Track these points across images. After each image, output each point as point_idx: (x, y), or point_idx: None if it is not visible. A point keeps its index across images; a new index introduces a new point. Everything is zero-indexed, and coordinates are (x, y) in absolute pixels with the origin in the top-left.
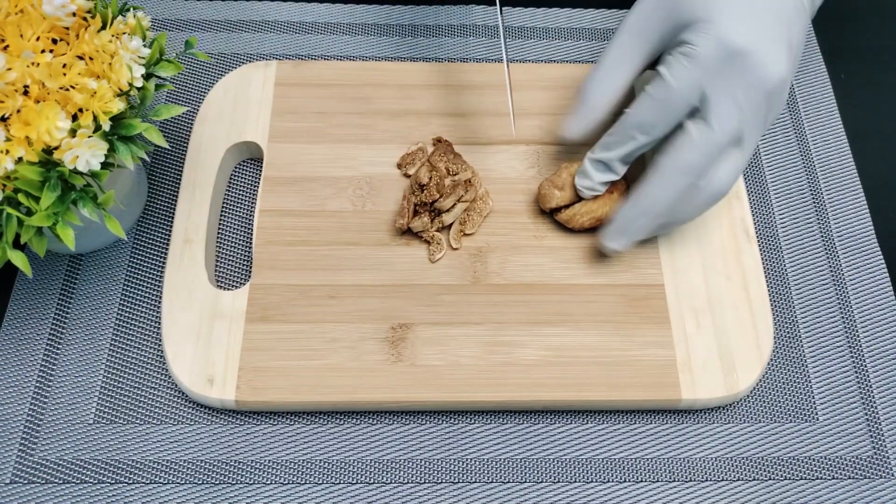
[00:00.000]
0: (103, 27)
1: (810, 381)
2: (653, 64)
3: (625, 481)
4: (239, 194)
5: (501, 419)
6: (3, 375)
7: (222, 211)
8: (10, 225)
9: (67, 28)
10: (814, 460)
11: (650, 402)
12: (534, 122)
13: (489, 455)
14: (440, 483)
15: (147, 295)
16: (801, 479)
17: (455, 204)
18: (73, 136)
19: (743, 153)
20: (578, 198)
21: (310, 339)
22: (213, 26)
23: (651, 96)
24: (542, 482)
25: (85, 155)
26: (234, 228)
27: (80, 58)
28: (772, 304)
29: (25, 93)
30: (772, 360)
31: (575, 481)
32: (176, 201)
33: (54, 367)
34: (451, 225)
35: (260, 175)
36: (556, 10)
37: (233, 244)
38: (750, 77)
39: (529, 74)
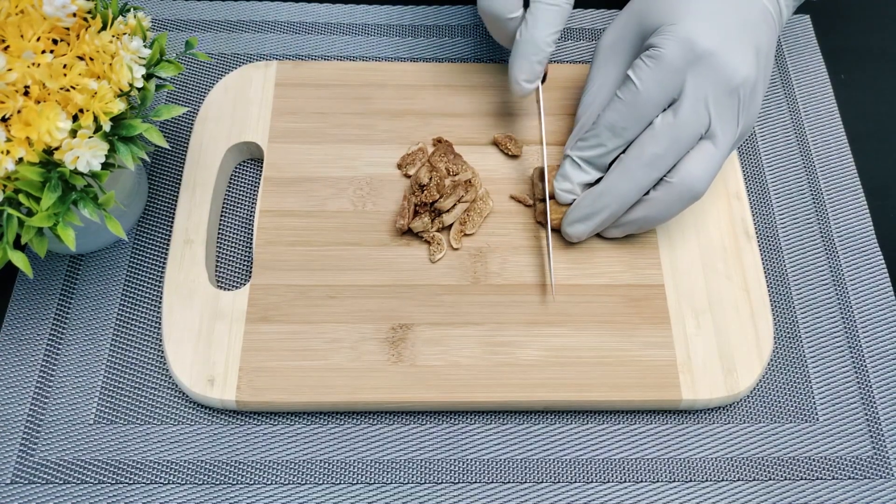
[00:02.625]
0: (104, 28)
1: (810, 381)
2: None
3: (625, 481)
4: (239, 194)
5: (501, 419)
6: (4, 375)
7: (223, 211)
8: (10, 225)
9: (68, 28)
10: (814, 460)
11: (650, 403)
12: (534, 122)
13: (489, 455)
14: (440, 483)
15: (147, 295)
16: (801, 479)
17: (455, 204)
18: (74, 137)
19: (717, 150)
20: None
21: (310, 339)
22: (213, 26)
23: (620, 99)
24: (542, 482)
25: (85, 155)
26: (234, 228)
27: (81, 58)
28: (772, 304)
29: (26, 93)
30: (772, 360)
31: (575, 481)
32: (176, 201)
33: (55, 368)
34: (451, 225)
35: (260, 175)
36: None
37: (233, 244)
38: (715, 75)
39: None
